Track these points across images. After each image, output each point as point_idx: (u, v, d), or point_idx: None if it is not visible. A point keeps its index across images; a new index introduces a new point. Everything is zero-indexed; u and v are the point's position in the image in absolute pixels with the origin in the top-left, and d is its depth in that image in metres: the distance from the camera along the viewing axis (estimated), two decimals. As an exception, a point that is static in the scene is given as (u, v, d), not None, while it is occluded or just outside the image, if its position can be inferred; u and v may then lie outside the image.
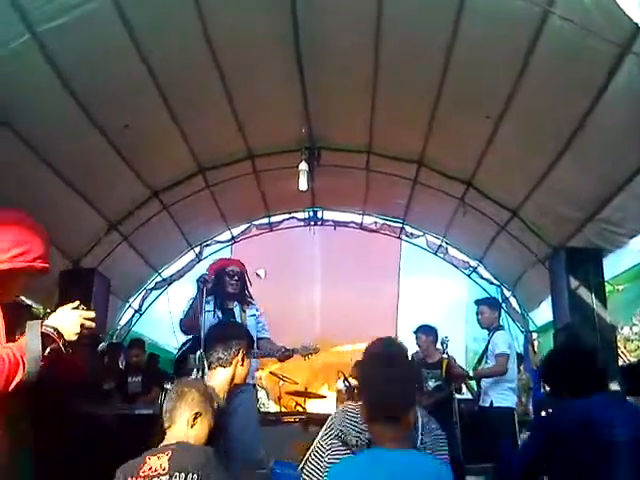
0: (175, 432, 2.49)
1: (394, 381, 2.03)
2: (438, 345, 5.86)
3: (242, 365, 3.16)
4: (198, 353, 3.67)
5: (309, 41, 5.18)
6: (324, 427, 2.41)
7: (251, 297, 5.09)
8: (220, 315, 4.74)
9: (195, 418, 2.50)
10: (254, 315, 4.96)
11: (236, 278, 4.96)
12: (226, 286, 4.90)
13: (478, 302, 6.09)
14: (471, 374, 5.52)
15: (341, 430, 2.27)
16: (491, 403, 5.33)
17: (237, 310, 4.89)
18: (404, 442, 2.04)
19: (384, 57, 5.32)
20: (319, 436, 2.39)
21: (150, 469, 2.30)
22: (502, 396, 5.36)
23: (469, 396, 5.99)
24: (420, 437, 2.28)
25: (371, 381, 2.11)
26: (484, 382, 5.47)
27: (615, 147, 4.94)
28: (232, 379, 3.14)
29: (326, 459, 2.27)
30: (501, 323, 6.06)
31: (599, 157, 5.18)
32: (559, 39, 4.28)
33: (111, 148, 5.82)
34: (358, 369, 2.44)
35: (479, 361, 5.66)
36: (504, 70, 4.99)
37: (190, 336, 4.75)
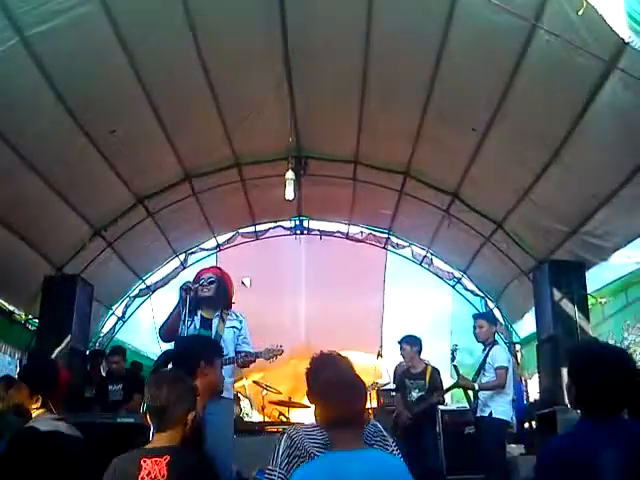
0: (170, 431, 2.35)
1: (354, 392, 2.28)
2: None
3: (206, 375, 3.15)
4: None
5: (298, 50, 5.21)
6: (282, 447, 2.47)
7: (231, 304, 4.96)
8: (197, 326, 4.65)
9: (191, 418, 2.39)
10: (234, 327, 4.83)
11: (209, 282, 4.83)
12: (199, 293, 4.78)
13: (476, 316, 6.05)
14: (476, 387, 5.54)
15: (307, 450, 2.37)
16: (490, 413, 5.33)
17: (216, 321, 4.79)
18: (360, 442, 2.24)
19: (372, 69, 5.35)
20: (279, 460, 2.45)
21: (148, 475, 2.20)
22: (502, 408, 5.35)
23: (466, 406, 5.97)
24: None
25: (334, 395, 2.28)
26: (484, 393, 5.46)
27: (600, 161, 4.99)
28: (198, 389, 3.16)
29: None
30: (496, 338, 6.04)
31: (584, 171, 5.23)
32: (546, 54, 4.32)
33: (97, 153, 5.78)
34: (316, 385, 2.52)
35: (477, 374, 5.65)
36: (491, 83, 5.03)
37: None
